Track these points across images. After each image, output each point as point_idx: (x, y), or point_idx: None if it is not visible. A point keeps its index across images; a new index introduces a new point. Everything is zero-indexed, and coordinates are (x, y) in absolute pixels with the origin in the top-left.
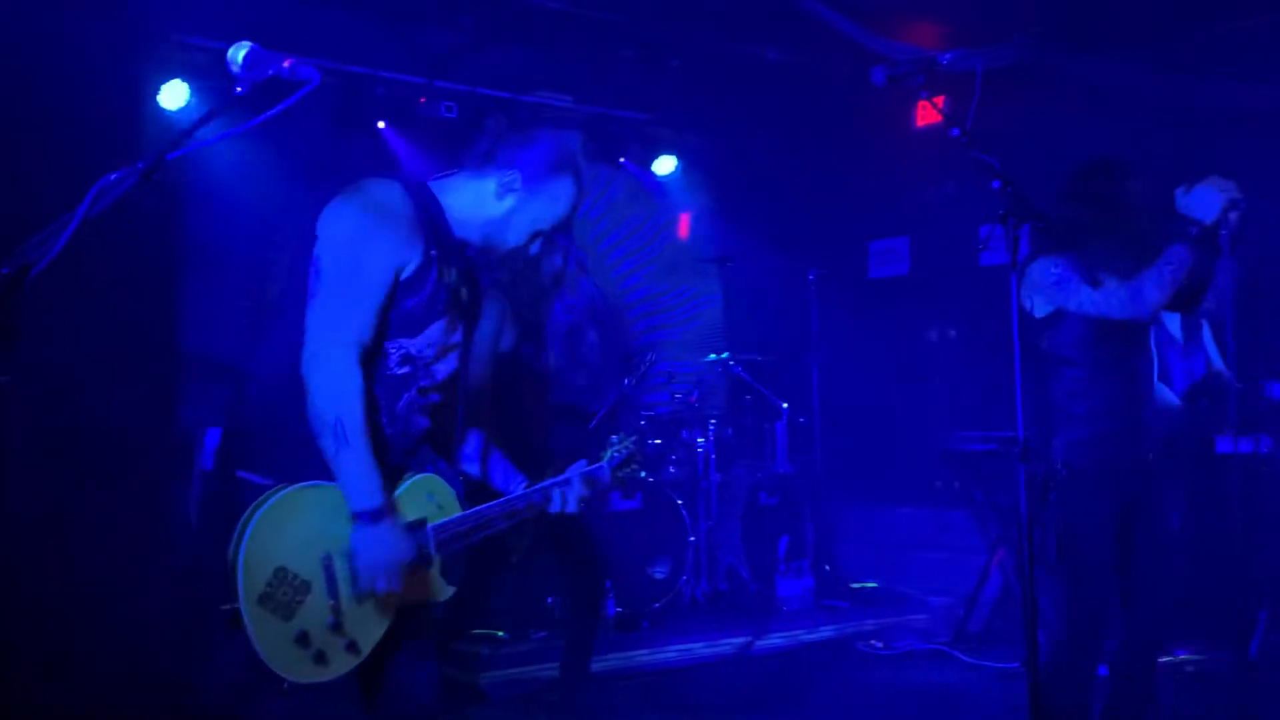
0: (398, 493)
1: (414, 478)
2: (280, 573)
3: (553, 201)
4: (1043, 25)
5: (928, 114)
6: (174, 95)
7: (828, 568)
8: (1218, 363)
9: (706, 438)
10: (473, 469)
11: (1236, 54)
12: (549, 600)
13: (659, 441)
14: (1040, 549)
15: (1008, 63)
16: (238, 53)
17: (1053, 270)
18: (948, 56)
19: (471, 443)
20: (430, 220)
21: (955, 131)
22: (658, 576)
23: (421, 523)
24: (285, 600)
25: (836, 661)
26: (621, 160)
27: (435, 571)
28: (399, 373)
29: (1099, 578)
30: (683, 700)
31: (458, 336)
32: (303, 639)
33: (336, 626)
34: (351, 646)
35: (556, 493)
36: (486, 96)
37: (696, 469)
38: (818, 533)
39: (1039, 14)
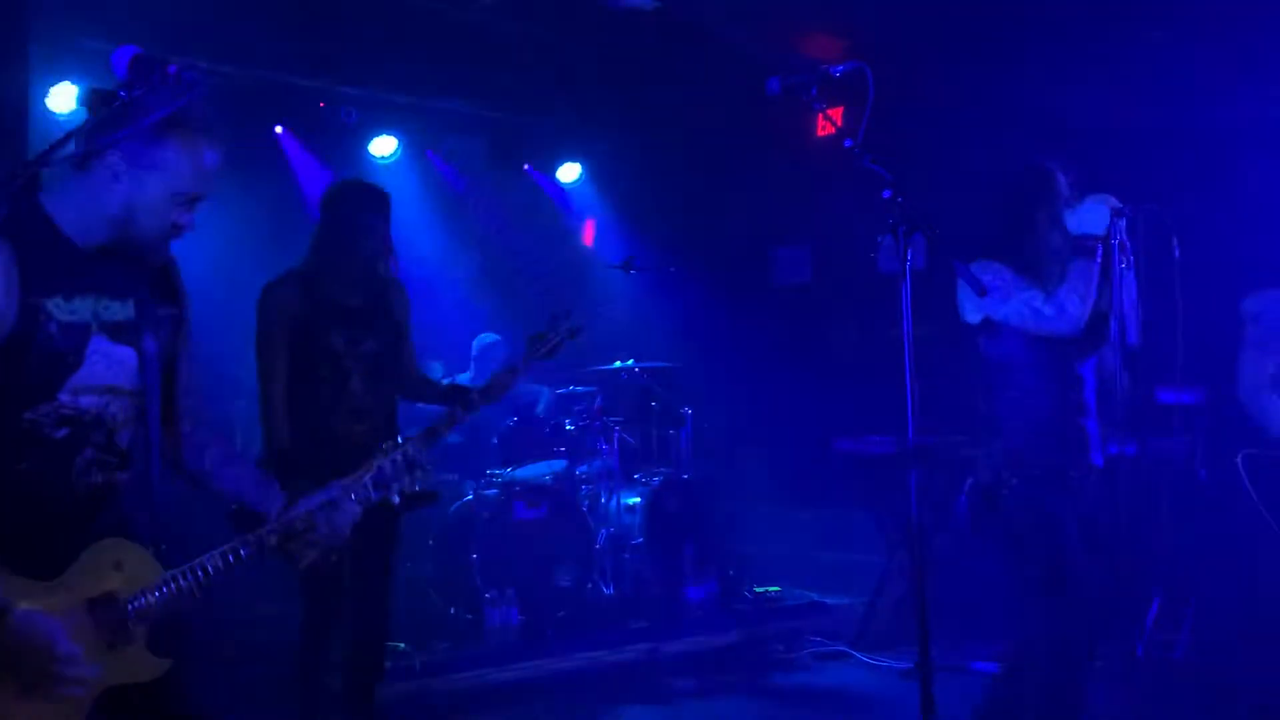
0: (68, 571)
1: (93, 548)
2: None
3: (172, 169)
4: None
5: (829, 124)
6: (63, 98)
7: (732, 572)
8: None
9: (611, 444)
10: (226, 488)
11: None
12: (451, 611)
13: (563, 449)
14: (998, 554)
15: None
16: (121, 57)
17: (982, 279)
18: (840, 68)
19: (211, 461)
20: (33, 258)
21: (848, 142)
22: (562, 584)
23: (109, 597)
24: None
25: (740, 664)
26: (526, 167)
27: (140, 648)
28: (58, 437)
29: (1070, 576)
30: (589, 707)
31: (130, 364)
32: None
33: None
34: None
35: (321, 518)
36: (387, 101)
37: (601, 476)
38: (722, 537)
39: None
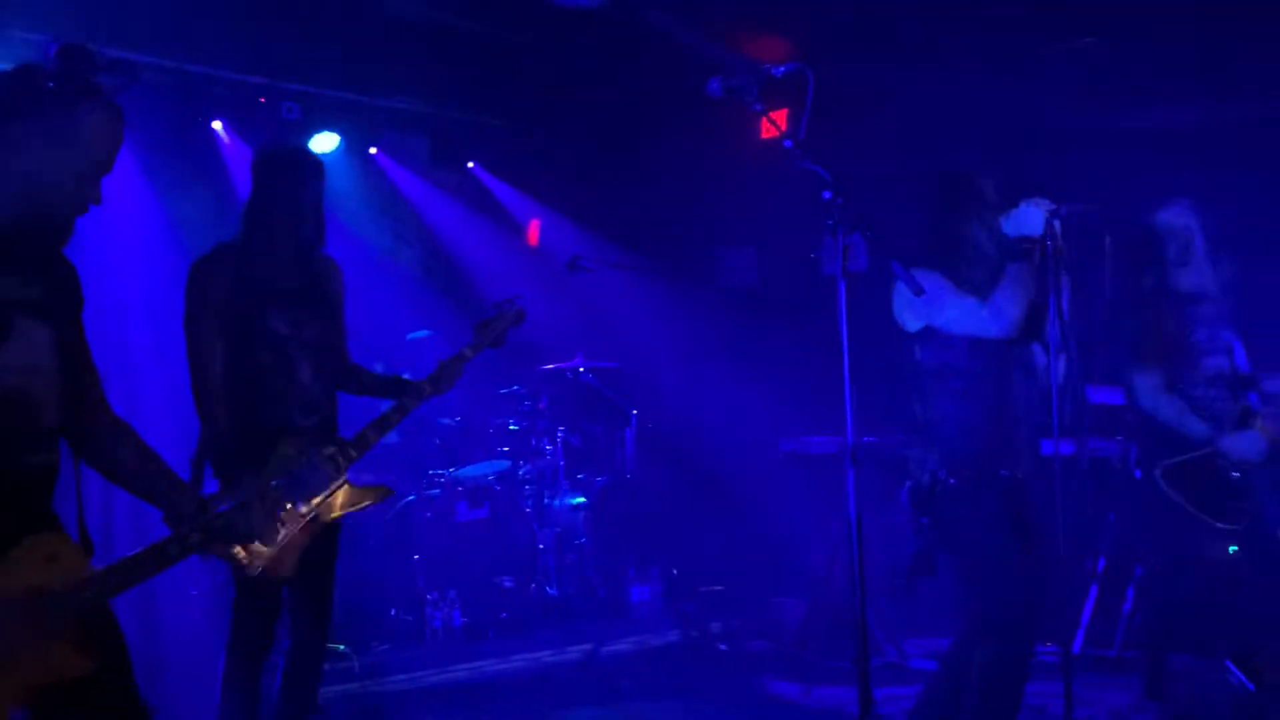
0: (6, 557)
1: (27, 541)
2: None
3: (83, 143)
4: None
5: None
6: None
7: (676, 572)
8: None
9: (556, 445)
10: (136, 486)
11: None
12: (392, 612)
13: (507, 449)
14: (923, 559)
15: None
16: (53, 48)
17: (923, 286)
18: (780, 69)
19: (126, 456)
20: None
21: (789, 143)
22: (506, 585)
23: (38, 591)
24: None
25: (684, 664)
26: (470, 165)
27: (68, 645)
28: None
29: (1007, 573)
30: (532, 708)
31: (46, 344)
32: None
33: None
34: None
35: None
36: (330, 97)
37: (546, 476)
38: (667, 537)
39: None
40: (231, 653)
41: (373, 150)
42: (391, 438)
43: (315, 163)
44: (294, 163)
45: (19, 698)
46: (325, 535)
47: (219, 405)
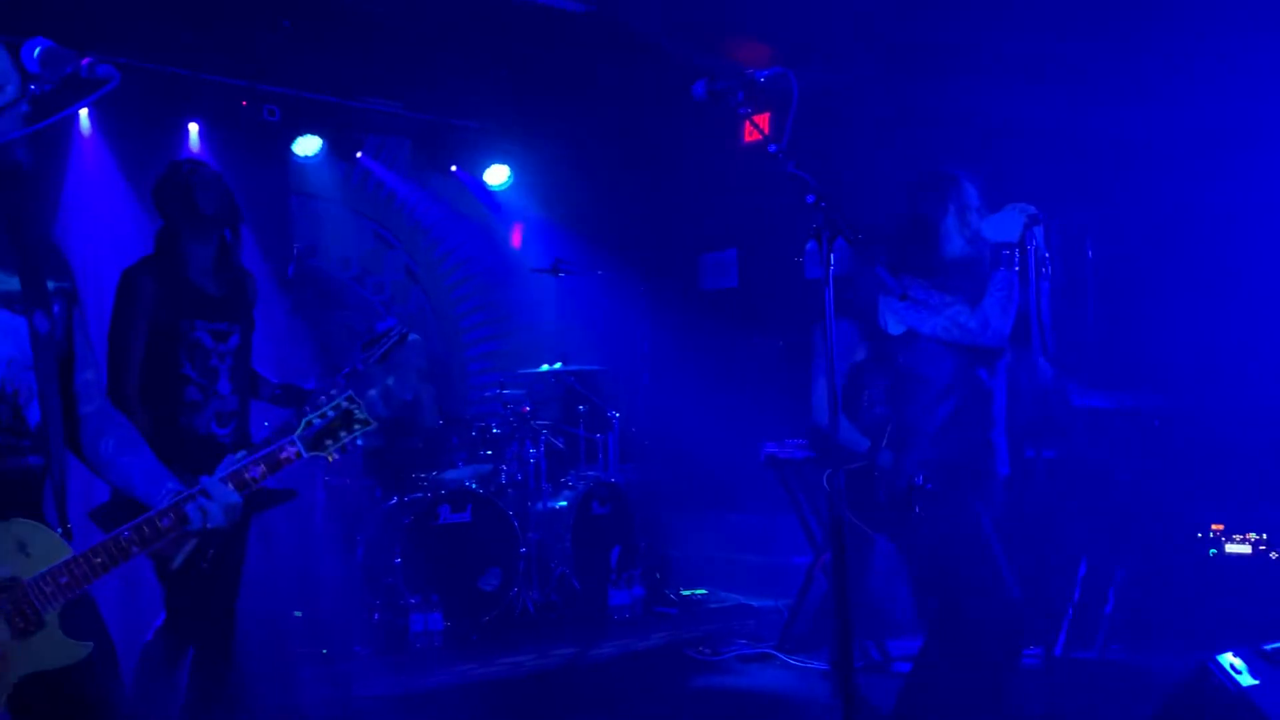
0: None
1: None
2: None
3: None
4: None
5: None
6: None
7: (659, 575)
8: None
9: (538, 448)
10: (116, 480)
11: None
12: (375, 617)
13: (489, 452)
14: (910, 565)
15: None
16: (33, 49)
17: (911, 291)
18: (765, 73)
19: (106, 448)
20: None
21: (773, 147)
22: (487, 589)
23: (12, 581)
24: None
25: (665, 668)
26: (453, 169)
27: (53, 632)
28: None
29: (986, 576)
30: (514, 713)
31: (23, 334)
32: None
33: None
34: None
35: (192, 507)
36: (311, 100)
37: (528, 479)
38: (649, 541)
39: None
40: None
41: (359, 154)
42: (374, 440)
43: (218, 175)
44: (205, 177)
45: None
46: (227, 541)
47: (137, 414)
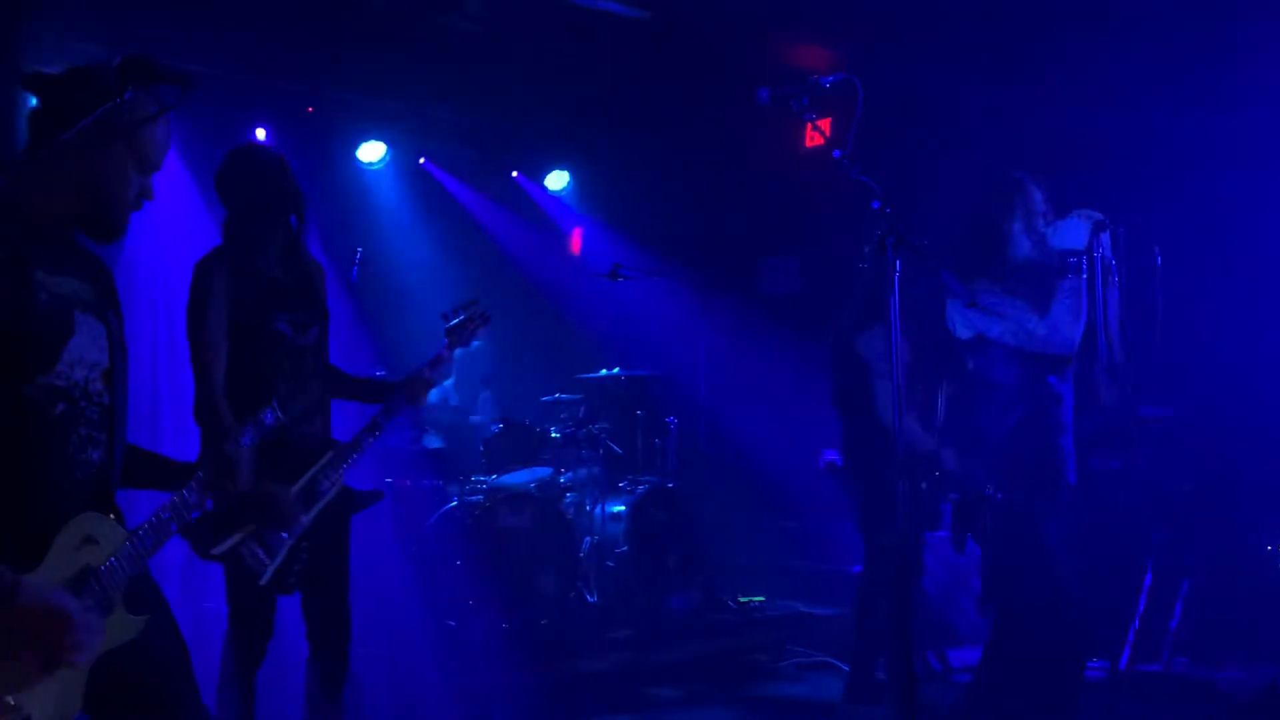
0: (46, 558)
1: (65, 529)
2: None
3: (104, 148)
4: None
5: (817, 134)
6: None
7: (716, 581)
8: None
9: (596, 452)
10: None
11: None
12: (433, 617)
13: (548, 456)
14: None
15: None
16: (112, 58)
17: (979, 297)
18: (830, 79)
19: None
20: (9, 234)
21: (837, 153)
22: (546, 592)
23: (85, 572)
24: None
25: (723, 674)
26: (514, 174)
27: (120, 611)
28: (57, 414)
29: (1053, 587)
30: (570, 715)
31: (102, 339)
32: None
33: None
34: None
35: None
36: (376, 106)
37: (586, 484)
38: (707, 547)
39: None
40: (225, 664)
41: (421, 160)
42: (435, 442)
43: (285, 163)
44: (271, 164)
45: (79, 700)
46: (330, 544)
47: (226, 414)
